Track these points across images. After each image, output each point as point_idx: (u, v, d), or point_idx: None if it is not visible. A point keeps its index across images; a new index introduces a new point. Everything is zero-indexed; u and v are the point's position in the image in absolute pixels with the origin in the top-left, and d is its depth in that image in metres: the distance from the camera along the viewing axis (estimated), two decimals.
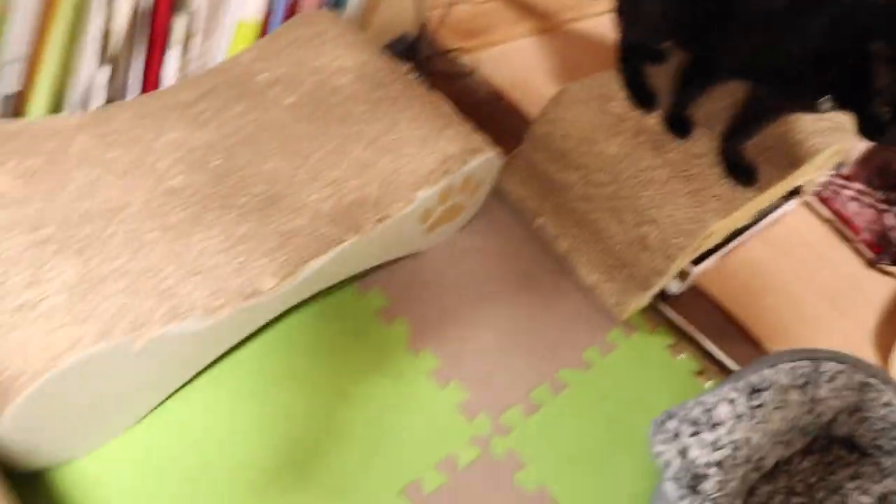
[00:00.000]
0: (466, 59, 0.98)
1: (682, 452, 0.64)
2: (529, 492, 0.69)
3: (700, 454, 0.64)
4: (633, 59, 0.81)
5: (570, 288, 0.83)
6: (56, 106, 0.69)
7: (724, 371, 0.84)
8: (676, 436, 0.65)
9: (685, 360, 0.83)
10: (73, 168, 0.64)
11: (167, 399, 0.65)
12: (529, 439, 0.72)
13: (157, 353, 0.58)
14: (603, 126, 0.80)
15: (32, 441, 0.56)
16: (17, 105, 0.67)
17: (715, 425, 0.65)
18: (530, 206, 0.86)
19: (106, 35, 0.68)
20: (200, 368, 0.65)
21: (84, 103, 0.71)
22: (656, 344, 0.83)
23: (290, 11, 0.79)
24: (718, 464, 0.63)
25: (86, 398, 0.56)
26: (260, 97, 0.74)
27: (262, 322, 0.67)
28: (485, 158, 0.74)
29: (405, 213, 0.70)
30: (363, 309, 0.76)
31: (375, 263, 0.74)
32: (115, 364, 0.55)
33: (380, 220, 0.69)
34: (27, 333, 0.53)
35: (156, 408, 0.65)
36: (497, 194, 0.87)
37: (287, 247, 0.65)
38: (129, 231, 0.62)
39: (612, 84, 0.82)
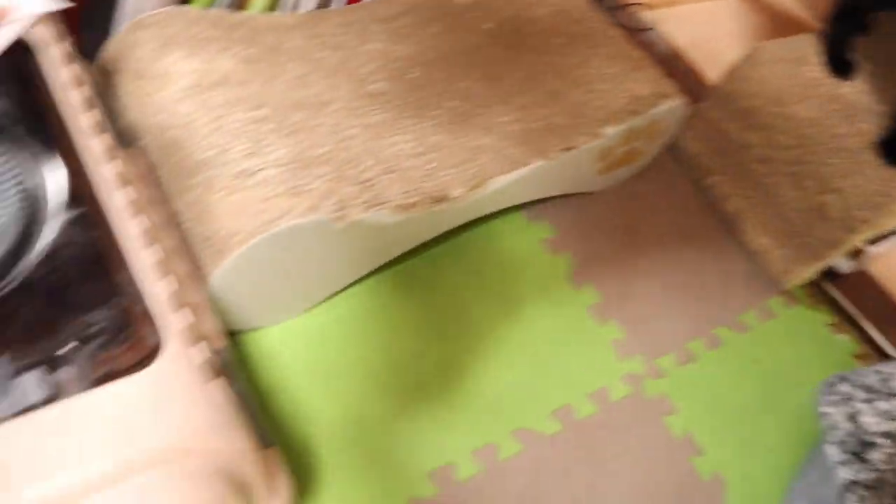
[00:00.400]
0: (647, 15, 0.97)
1: (852, 417, 0.63)
2: (676, 436, 0.69)
3: (872, 422, 0.62)
4: (842, 25, 0.78)
5: (734, 249, 0.82)
6: (272, 5, 0.73)
7: (886, 359, 0.80)
8: (848, 399, 0.63)
9: (845, 340, 0.80)
10: (287, 61, 0.68)
11: (345, 289, 0.69)
12: (681, 387, 0.72)
13: (353, 236, 0.61)
14: (795, 89, 0.77)
15: (234, 301, 0.60)
16: (240, 1, 0.72)
17: (892, 395, 0.62)
18: (703, 162, 0.85)
19: None
20: (385, 261, 0.68)
21: (295, 6, 0.75)
22: (817, 320, 0.81)
23: None
24: (891, 435, 0.61)
25: (285, 268, 0.60)
26: (458, 19, 0.76)
27: (444, 229, 0.69)
28: (673, 104, 0.73)
29: (589, 146, 0.71)
30: (531, 237, 0.77)
31: (549, 194, 0.75)
32: (317, 239, 0.59)
33: (564, 150, 0.70)
34: (244, 198, 0.57)
35: (335, 294, 0.69)
36: (670, 148, 0.86)
37: (475, 161, 0.67)
38: (333, 124, 0.65)
39: (807, 48, 0.80)
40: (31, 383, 0.37)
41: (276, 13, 0.73)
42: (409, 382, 0.67)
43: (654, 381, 0.72)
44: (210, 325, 0.51)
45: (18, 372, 0.37)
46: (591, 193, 0.81)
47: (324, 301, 0.69)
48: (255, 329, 0.66)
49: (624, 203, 0.82)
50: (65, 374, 0.38)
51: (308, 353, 0.67)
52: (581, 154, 0.71)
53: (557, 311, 0.73)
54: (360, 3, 0.77)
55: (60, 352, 0.39)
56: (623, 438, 0.68)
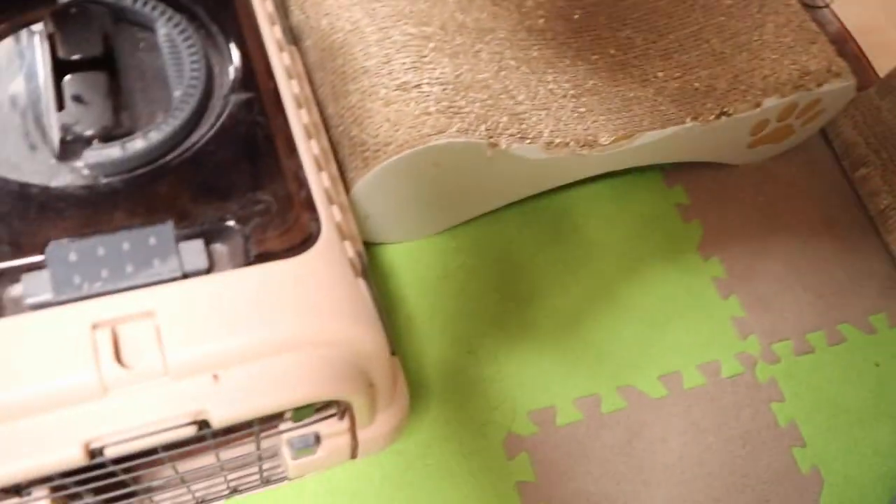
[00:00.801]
0: None
1: None
2: (781, 424, 0.67)
3: None
4: None
5: (874, 247, 0.78)
6: None
7: None
8: None
9: None
10: None
11: (474, 220, 0.69)
12: (794, 376, 0.69)
13: (497, 166, 0.61)
14: None
15: (371, 210, 0.61)
16: None
17: None
18: (858, 153, 0.80)
19: None
20: (519, 198, 0.68)
21: None
22: None
23: None
24: None
25: (426, 186, 0.61)
26: None
27: (584, 175, 0.68)
28: (844, 85, 0.69)
29: (746, 115, 0.68)
30: (665, 200, 0.75)
31: (694, 159, 0.73)
32: (464, 162, 0.59)
33: (719, 115, 0.67)
34: (402, 110, 0.58)
35: (463, 224, 0.69)
36: (824, 132, 0.82)
37: (628, 112, 0.66)
38: (493, 52, 0.64)
39: None
40: (193, 251, 0.39)
41: None
42: (521, 323, 0.67)
43: (768, 365, 0.70)
44: (353, 227, 0.52)
45: (182, 238, 0.39)
46: (733, 166, 0.78)
47: (451, 228, 0.69)
48: (380, 243, 0.68)
49: (765, 181, 0.78)
50: (224, 247, 0.40)
51: (428, 275, 0.68)
52: (735, 122, 0.68)
53: (680, 278, 0.72)
54: None
55: (222, 225, 0.40)
56: (727, 415, 0.67)
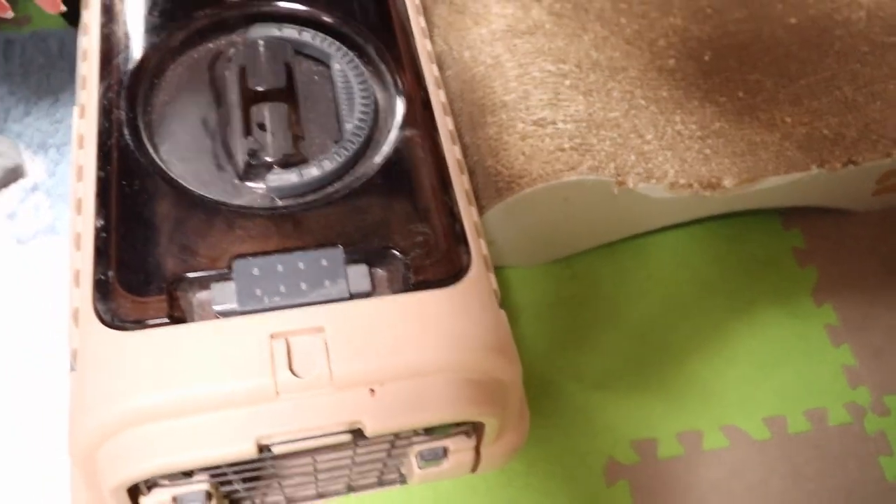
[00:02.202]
0: None
1: None
2: (889, 479, 0.67)
3: None
4: None
5: None
6: None
7: None
8: None
9: None
10: (591, 21, 0.70)
11: (589, 251, 0.72)
12: None
13: (621, 202, 0.63)
14: None
15: (497, 237, 0.64)
16: None
17: None
18: None
19: None
20: (638, 232, 0.70)
21: None
22: None
23: None
24: None
25: (553, 217, 0.63)
26: (763, 9, 0.74)
27: (705, 214, 0.69)
28: None
29: (874, 164, 0.67)
30: (781, 243, 0.75)
31: (814, 204, 0.73)
32: (592, 198, 0.61)
33: (847, 164, 0.67)
34: (536, 145, 0.60)
35: (578, 254, 0.72)
36: None
37: (753, 156, 0.67)
38: (624, 91, 0.66)
39: None
40: (359, 274, 0.42)
41: None
42: (628, 354, 0.69)
43: (878, 417, 0.69)
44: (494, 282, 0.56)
45: (348, 262, 0.43)
46: (854, 212, 0.77)
47: (568, 257, 0.72)
48: (498, 266, 0.71)
49: (888, 230, 0.77)
50: (385, 273, 0.44)
51: (541, 301, 0.70)
52: (862, 171, 0.68)
53: (791, 322, 0.72)
54: None
55: (385, 252, 0.44)
56: (831, 464, 0.67)
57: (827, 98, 0.69)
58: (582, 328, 0.70)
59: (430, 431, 0.46)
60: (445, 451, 0.48)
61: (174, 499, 0.43)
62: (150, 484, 0.43)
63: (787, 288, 0.74)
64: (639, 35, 0.70)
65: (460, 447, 0.48)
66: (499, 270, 0.71)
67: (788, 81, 0.70)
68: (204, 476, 0.44)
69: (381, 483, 0.58)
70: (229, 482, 0.46)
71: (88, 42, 0.48)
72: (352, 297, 0.42)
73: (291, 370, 0.39)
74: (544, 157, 0.60)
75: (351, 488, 0.59)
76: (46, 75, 0.69)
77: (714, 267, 0.74)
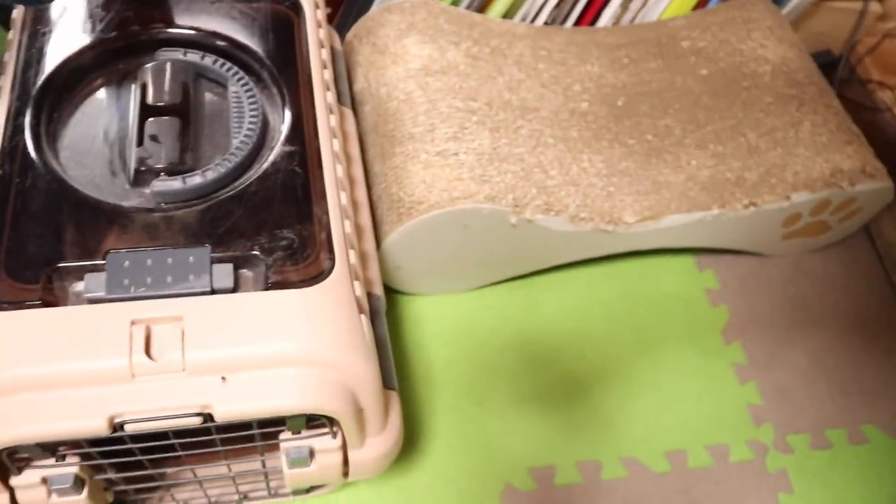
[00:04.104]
0: (883, 96, 0.93)
1: None
2: None
3: None
4: None
5: None
6: (509, 12, 0.80)
7: None
8: None
9: None
10: (507, 65, 0.74)
11: (500, 283, 0.75)
12: (807, 471, 0.69)
13: (522, 235, 0.66)
14: None
15: (401, 262, 0.67)
16: (483, 2, 0.79)
17: None
18: None
19: None
20: (545, 267, 0.73)
21: (529, 17, 0.81)
22: None
23: None
24: None
25: (454, 246, 0.66)
26: (677, 61, 0.78)
27: (609, 251, 0.72)
28: (878, 187, 0.71)
29: (774, 207, 0.70)
30: (694, 283, 0.78)
31: (725, 246, 0.76)
32: (490, 227, 0.65)
33: (748, 206, 0.70)
34: (437, 173, 0.64)
35: (490, 285, 0.74)
36: (867, 230, 0.83)
37: (657, 194, 0.70)
38: (532, 130, 0.70)
39: None
40: (223, 272, 0.46)
41: (512, 21, 0.79)
42: (533, 383, 0.71)
43: (780, 455, 0.70)
44: (373, 273, 0.59)
45: (215, 261, 0.46)
46: (768, 257, 0.80)
47: (481, 287, 0.75)
48: (411, 294, 0.73)
49: (800, 275, 0.80)
50: (250, 273, 0.47)
51: (452, 328, 0.73)
52: (765, 214, 0.71)
53: (699, 359, 0.74)
54: (589, 27, 0.81)
55: (250, 254, 0.47)
56: (731, 500, 0.67)
57: (732, 143, 0.73)
58: (489, 356, 0.72)
59: (291, 427, 0.48)
60: (312, 453, 0.50)
61: (44, 479, 0.46)
62: (21, 465, 0.46)
63: (697, 326, 0.76)
64: (555, 80, 0.75)
65: (325, 447, 0.50)
66: (412, 298, 0.74)
67: (696, 127, 0.74)
68: (74, 459, 0.46)
69: (273, 494, 0.60)
70: (102, 469, 0.48)
71: (9, 56, 0.53)
72: (214, 291, 0.45)
73: (148, 354, 0.42)
74: (443, 185, 0.63)
75: (245, 497, 0.61)
76: None
77: (624, 303, 0.76)
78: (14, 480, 0.45)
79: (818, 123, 0.73)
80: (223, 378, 0.43)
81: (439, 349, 0.71)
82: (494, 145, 0.67)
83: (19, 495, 0.46)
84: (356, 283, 0.49)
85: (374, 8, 0.76)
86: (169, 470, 0.51)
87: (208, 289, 0.45)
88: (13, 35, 0.54)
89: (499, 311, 0.74)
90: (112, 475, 0.49)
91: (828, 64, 0.90)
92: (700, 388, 0.72)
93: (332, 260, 0.48)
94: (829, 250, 0.82)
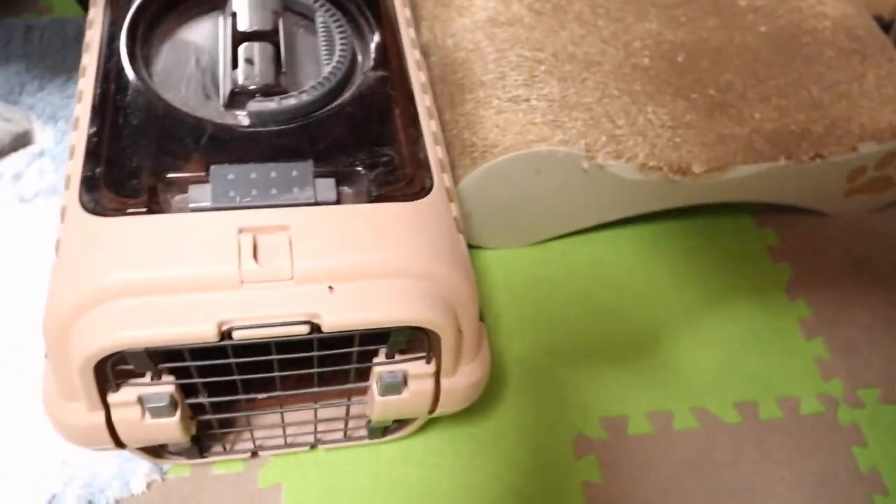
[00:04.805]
0: None
1: None
2: (862, 469, 0.66)
3: None
4: None
5: None
6: None
7: None
8: None
9: None
10: (569, 21, 0.75)
11: (566, 236, 0.74)
12: (878, 423, 0.69)
13: (593, 181, 0.66)
14: None
15: (474, 208, 0.67)
16: None
17: None
18: None
19: None
20: (613, 218, 0.73)
21: None
22: None
23: None
24: None
25: (528, 191, 0.66)
26: (735, 19, 0.79)
27: (677, 203, 0.72)
28: None
29: (840, 159, 0.70)
30: (755, 240, 0.78)
31: (788, 201, 0.75)
32: (563, 171, 0.65)
33: (814, 157, 0.70)
34: (511, 118, 0.64)
35: (556, 238, 0.74)
36: None
37: (722, 146, 0.70)
38: (598, 82, 0.71)
39: None
40: (326, 186, 0.46)
41: None
42: (601, 334, 0.70)
43: (851, 409, 0.69)
44: (456, 211, 0.58)
45: (318, 175, 0.46)
46: (829, 217, 0.80)
47: (543, 242, 0.74)
48: (476, 246, 0.73)
49: (861, 234, 0.80)
50: (351, 189, 0.47)
51: (518, 281, 0.72)
52: (830, 166, 0.71)
53: (764, 314, 0.73)
54: None
55: (352, 170, 0.47)
56: (803, 452, 0.67)
57: (794, 97, 0.73)
58: (555, 308, 0.71)
59: (393, 344, 0.48)
60: (406, 379, 0.50)
61: (140, 398, 0.45)
62: (119, 381, 0.45)
63: (760, 282, 0.76)
64: (615, 36, 0.75)
65: (419, 373, 0.49)
66: (476, 252, 0.74)
67: (757, 82, 0.74)
68: (170, 378, 0.46)
69: (347, 437, 0.60)
70: (195, 392, 0.48)
71: None
72: (317, 203, 0.44)
73: (256, 261, 0.42)
74: (517, 129, 0.63)
75: (319, 441, 0.60)
76: (62, 57, 0.75)
77: (688, 259, 0.76)
78: (111, 397, 0.45)
79: (882, 76, 0.73)
80: (330, 287, 0.43)
81: (506, 301, 0.71)
82: (563, 94, 0.67)
83: (114, 413, 0.45)
84: (452, 205, 0.49)
85: None
86: (260, 396, 0.50)
87: (312, 200, 0.44)
88: None
89: (562, 266, 0.74)
90: (203, 399, 0.48)
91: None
92: (767, 342, 0.72)
93: (431, 179, 0.48)
94: (889, 212, 0.82)
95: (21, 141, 0.70)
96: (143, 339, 0.40)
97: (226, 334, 0.42)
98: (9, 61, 0.75)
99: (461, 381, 0.51)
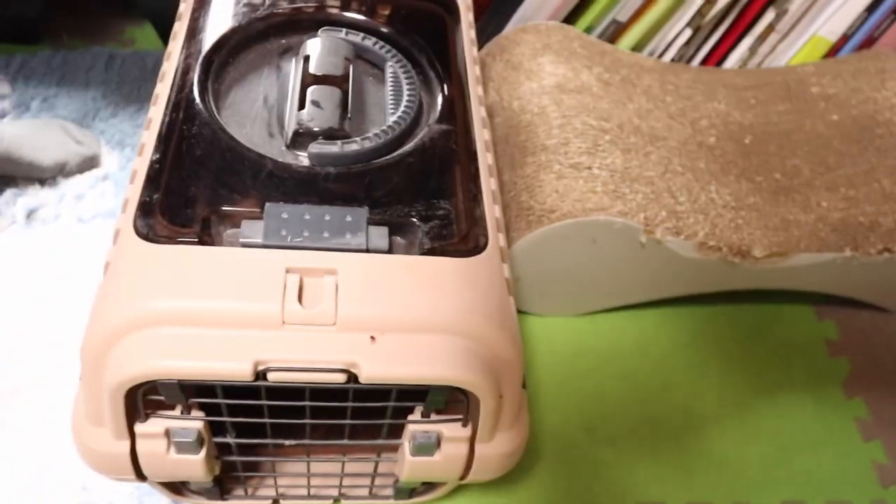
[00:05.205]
0: None
1: None
2: None
3: None
4: None
5: None
6: (638, 45, 0.80)
7: None
8: None
9: None
10: (637, 94, 0.74)
11: (616, 310, 0.72)
12: None
13: (650, 256, 0.64)
14: None
15: (524, 272, 0.66)
16: (614, 32, 0.80)
17: None
18: None
19: (705, 5, 0.78)
20: (667, 296, 0.71)
21: (656, 52, 0.81)
22: None
23: (865, 44, 0.82)
24: None
25: (582, 260, 0.65)
26: (806, 105, 0.77)
27: (734, 286, 0.69)
28: None
29: None
30: (813, 332, 0.74)
31: (850, 294, 0.72)
32: (620, 243, 0.63)
33: (882, 251, 0.67)
34: (571, 185, 0.63)
35: (604, 311, 0.72)
36: None
37: (786, 231, 0.68)
38: (661, 156, 0.69)
39: None
40: (379, 234, 0.45)
41: (641, 54, 0.80)
42: (644, 415, 0.67)
43: None
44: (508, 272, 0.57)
45: (372, 223, 0.45)
46: (892, 313, 0.76)
47: (592, 313, 0.72)
48: (524, 312, 0.72)
49: None
50: (404, 239, 0.47)
51: (562, 350, 0.70)
52: None
53: (819, 410, 0.69)
54: (715, 67, 0.81)
55: (406, 220, 0.46)
56: None
57: (865, 188, 0.71)
58: (598, 383, 0.69)
59: (429, 404, 0.46)
60: (439, 441, 0.48)
61: (167, 431, 0.44)
62: (149, 412, 0.44)
63: (816, 376, 0.72)
64: (682, 113, 0.74)
65: (454, 436, 0.47)
66: (522, 316, 0.72)
67: (826, 170, 0.72)
68: (200, 414, 0.45)
69: (372, 494, 0.57)
70: (223, 431, 0.47)
71: (180, 26, 0.54)
72: (368, 251, 0.44)
73: (300, 303, 0.41)
74: (576, 196, 0.62)
75: (342, 495, 0.58)
76: (138, 87, 0.77)
77: (742, 346, 0.73)
78: (139, 427, 0.44)
79: None
80: (372, 338, 0.42)
81: (548, 371, 0.69)
82: (626, 165, 0.66)
83: (140, 444, 0.44)
84: (505, 266, 0.47)
85: (508, 28, 0.77)
86: (287, 442, 0.49)
87: (364, 247, 0.44)
88: (184, 7, 0.56)
89: (610, 340, 0.71)
90: (231, 439, 0.47)
91: None
92: (820, 440, 0.68)
93: (486, 237, 0.47)
94: None
95: (89, 164, 0.71)
96: (177, 370, 0.40)
97: (261, 374, 0.41)
98: (88, 87, 0.77)
99: (497, 448, 0.49)
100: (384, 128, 0.50)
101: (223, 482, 0.54)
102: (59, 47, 0.81)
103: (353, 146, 0.49)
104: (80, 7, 0.89)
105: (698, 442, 0.66)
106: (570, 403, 0.67)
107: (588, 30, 0.79)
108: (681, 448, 0.66)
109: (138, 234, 0.43)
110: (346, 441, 0.48)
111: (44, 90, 0.76)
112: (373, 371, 0.41)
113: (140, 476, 0.47)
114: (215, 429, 0.47)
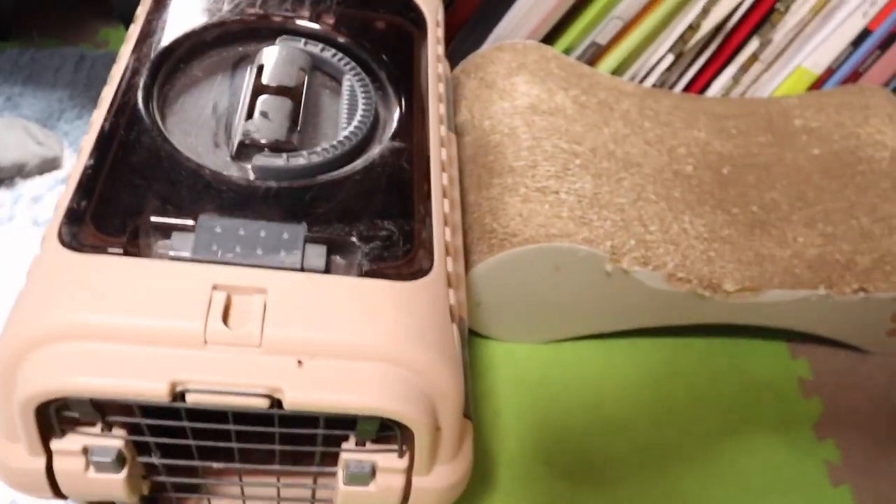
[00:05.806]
0: None
1: None
2: None
3: None
4: None
5: None
6: (618, 69, 0.79)
7: None
8: None
9: None
10: (614, 119, 0.72)
11: (582, 338, 0.70)
12: None
13: (615, 286, 0.62)
14: None
15: (484, 297, 0.64)
16: (594, 54, 0.78)
17: None
18: None
19: (687, 31, 0.76)
20: (632, 327, 0.68)
21: (637, 77, 0.80)
22: None
23: (851, 78, 0.80)
24: None
25: (543, 286, 0.63)
26: (788, 138, 0.75)
27: (702, 320, 0.67)
28: None
29: (886, 297, 0.65)
30: (785, 369, 0.72)
31: (824, 333, 0.70)
32: (585, 273, 0.61)
33: (857, 291, 0.65)
34: (536, 209, 0.61)
35: (568, 339, 0.70)
36: None
37: (759, 266, 0.65)
38: (635, 183, 0.68)
39: None
40: (316, 253, 0.43)
41: (620, 79, 0.78)
42: (605, 448, 0.65)
43: None
44: (462, 297, 0.55)
45: (309, 241, 0.44)
46: (867, 353, 0.74)
47: (558, 341, 0.70)
48: (485, 336, 0.69)
49: None
50: (343, 259, 0.45)
51: (525, 379, 0.68)
52: (874, 302, 0.66)
53: (789, 451, 0.67)
54: (697, 95, 0.80)
55: (346, 240, 0.45)
56: None
57: (843, 225, 0.69)
58: (560, 414, 0.67)
59: (361, 432, 0.44)
60: (374, 471, 0.46)
61: (85, 449, 0.42)
62: (66, 427, 0.42)
63: (787, 416, 0.70)
64: (660, 139, 0.72)
65: (389, 467, 0.45)
66: (484, 342, 0.70)
67: (805, 205, 0.70)
68: (121, 432, 0.43)
69: None
70: (147, 450, 0.44)
71: (133, 28, 0.53)
72: (303, 270, 0.42)
73: (225, 322, 0.39)
74: (541, 220, 0.60)
75: None
76: None
77: (711, 381, 0.71)
78: (55, 444, 0.42)
79: None
80: (299, 362, 0.40)
81: (509, 398, 0.66)
82: (596, 191, 0.64)
83: (56, 462, 0.42)
84: (451, 292, 0.45)
85: (485, 45, 0.76)
86: (215, 465, 0.47)
87: (298, 266, 0.42)
88: (140, 9, 0.55)
89: (574, 369, 0.69)
90: (155, 459, 0.45)
91: None
92: (788, 482, 0.65)
93: (431, 261, 0.45)
94: None
95: (49, 165, 0.70)
96: (86, 387, 0.38)
97: (178, 395, 0.39)
98: (55, 87, 0.76)
99: (436, 481, 0.47)
100: (334, 143, 0.48)
101: (157, 501, 0.52)
102: (28, 45, 0.80)
103: (300, 160, 0.47)
104: (55, 5, 0.88)
105: (662, 480, 0.64)
106: (529, 434, 0.65)
107: (567, 51, 0.77)
108: (644, 486, 0.63)
109: (62, 242, 0.41)
110: (276, 466, 0.46)
111: (8, 89, 0.74)
112: (297, 397, 0.39)
113: (58, 494, 0.45)
114: (141, 447, 0.45)
